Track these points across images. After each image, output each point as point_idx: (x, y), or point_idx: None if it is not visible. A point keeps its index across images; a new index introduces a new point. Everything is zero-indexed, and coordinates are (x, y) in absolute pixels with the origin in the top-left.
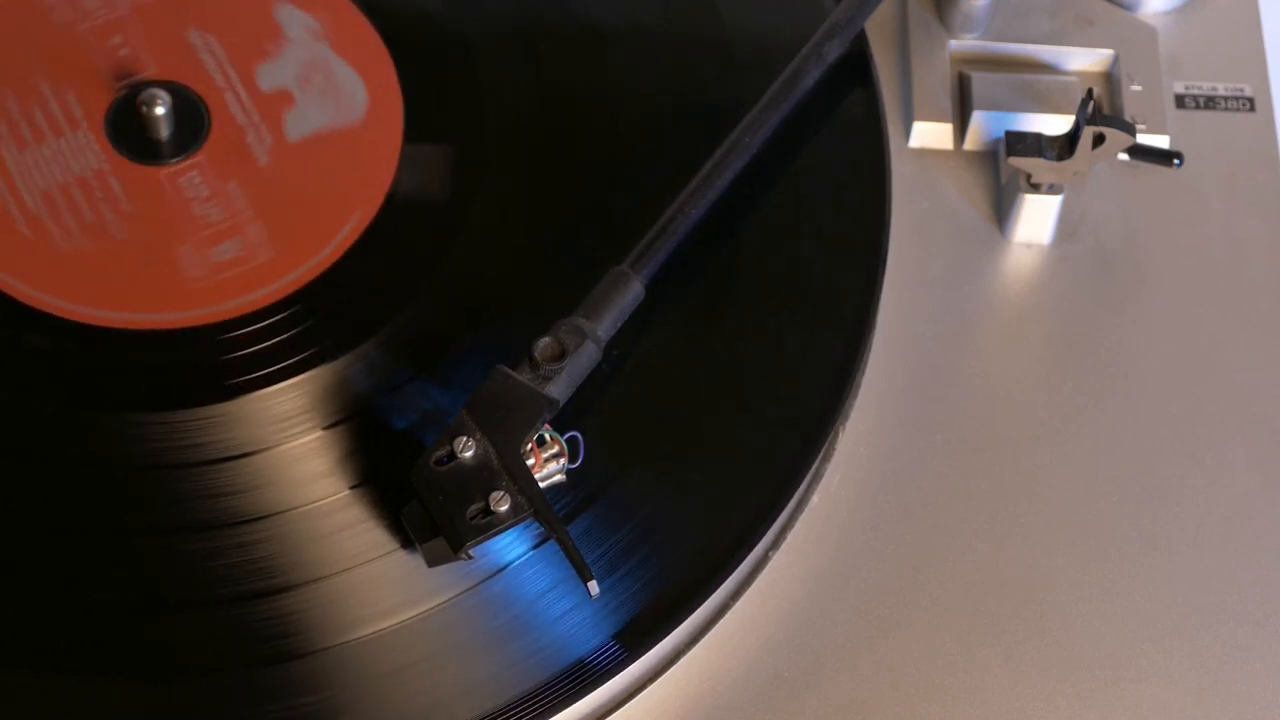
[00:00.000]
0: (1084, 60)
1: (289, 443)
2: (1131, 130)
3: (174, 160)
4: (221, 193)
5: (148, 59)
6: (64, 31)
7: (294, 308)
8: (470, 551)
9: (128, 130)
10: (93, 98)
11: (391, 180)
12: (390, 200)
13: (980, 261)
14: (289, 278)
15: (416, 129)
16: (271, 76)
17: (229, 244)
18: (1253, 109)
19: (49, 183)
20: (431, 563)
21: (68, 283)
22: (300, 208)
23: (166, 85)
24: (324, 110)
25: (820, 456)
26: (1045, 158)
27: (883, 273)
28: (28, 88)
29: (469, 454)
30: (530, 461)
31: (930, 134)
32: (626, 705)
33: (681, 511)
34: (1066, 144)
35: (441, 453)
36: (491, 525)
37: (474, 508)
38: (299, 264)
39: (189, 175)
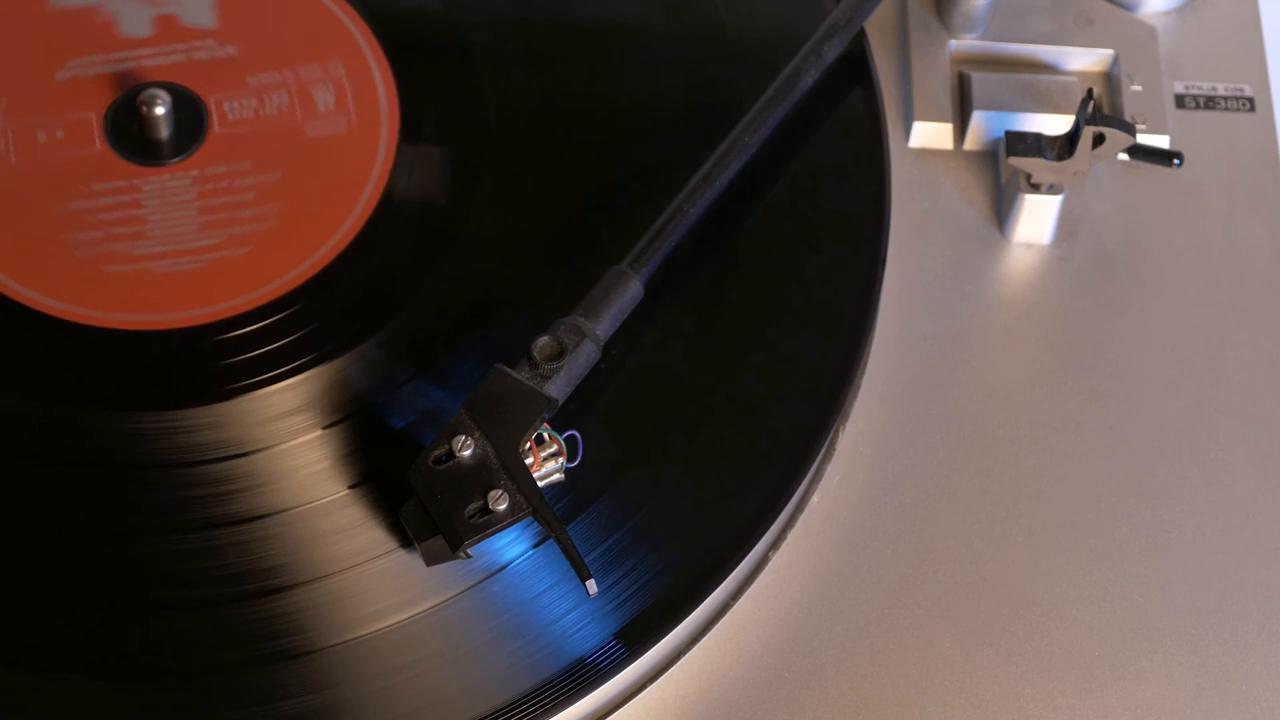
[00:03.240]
0: (1084, 60)
1: (289, 442)
2: (1131, 130)
3: (173, 160)
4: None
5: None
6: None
7: (293, 307)
8: (469, 550)
9: (127, 131)
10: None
11: (390, 179)
12: (389, 199)
13: (980, 261)
14: (288, 276)
15: (415, 128)
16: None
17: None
18: (1253, 109)
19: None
20: (430, 561)
21: (68, 284)
22: (300, 207)
23: (166, 85)
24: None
25: (820, 456)
26: (1045, 158)
27: (883, 273)
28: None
29: (468, 453)
30: (529, 460)
31: (930, 134)
32: (626, 705)
33: (681, 511)
34: (1066, 144)
35: (440, 451)
36: (490, 524)
37: (472, 506)
38: (298, 263)
39: (190, 176)
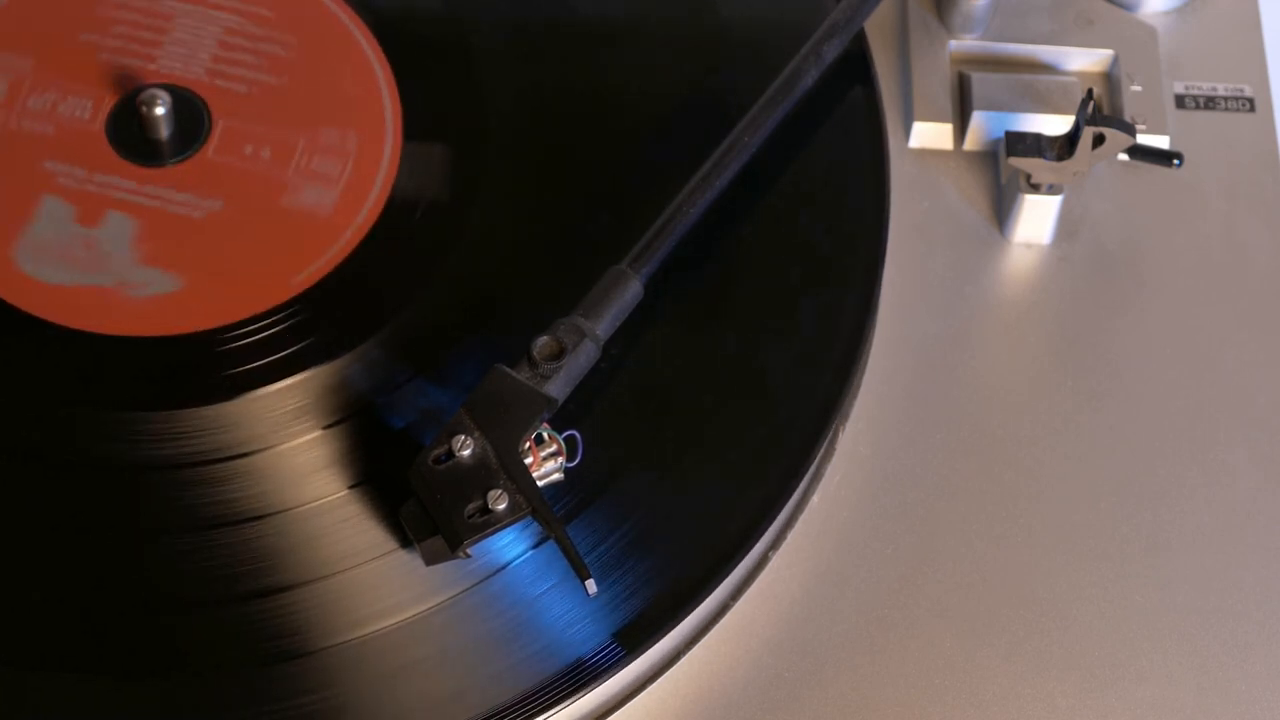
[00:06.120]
0: (1084, 60)
1: (289, 442)
2: (1131, 130)
3: (173, 160)
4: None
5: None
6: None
7: (294, 307)
8: (468, 550)
9: (128, 131)
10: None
11: (392, 181)
12: (390, 201)
13: (980, 261)
14: (290, 279)
15: (416, 129)
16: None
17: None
18: (1253, 109)
19: None
20: (429, 561)
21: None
22: (299, 209)
23: (166, 86)
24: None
25: (820, 456)
26: (1045, 158)
27: (883, 273)
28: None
29: (467, 452)
30: (528, 460)
31: (930, 134)
32: (626, 705)
33: (681, 511)
34: (1066, 144)
35: (440, 451)
36: (489, 524)
37: (472, 506)
38: (302, 265)
39: (187, 175)
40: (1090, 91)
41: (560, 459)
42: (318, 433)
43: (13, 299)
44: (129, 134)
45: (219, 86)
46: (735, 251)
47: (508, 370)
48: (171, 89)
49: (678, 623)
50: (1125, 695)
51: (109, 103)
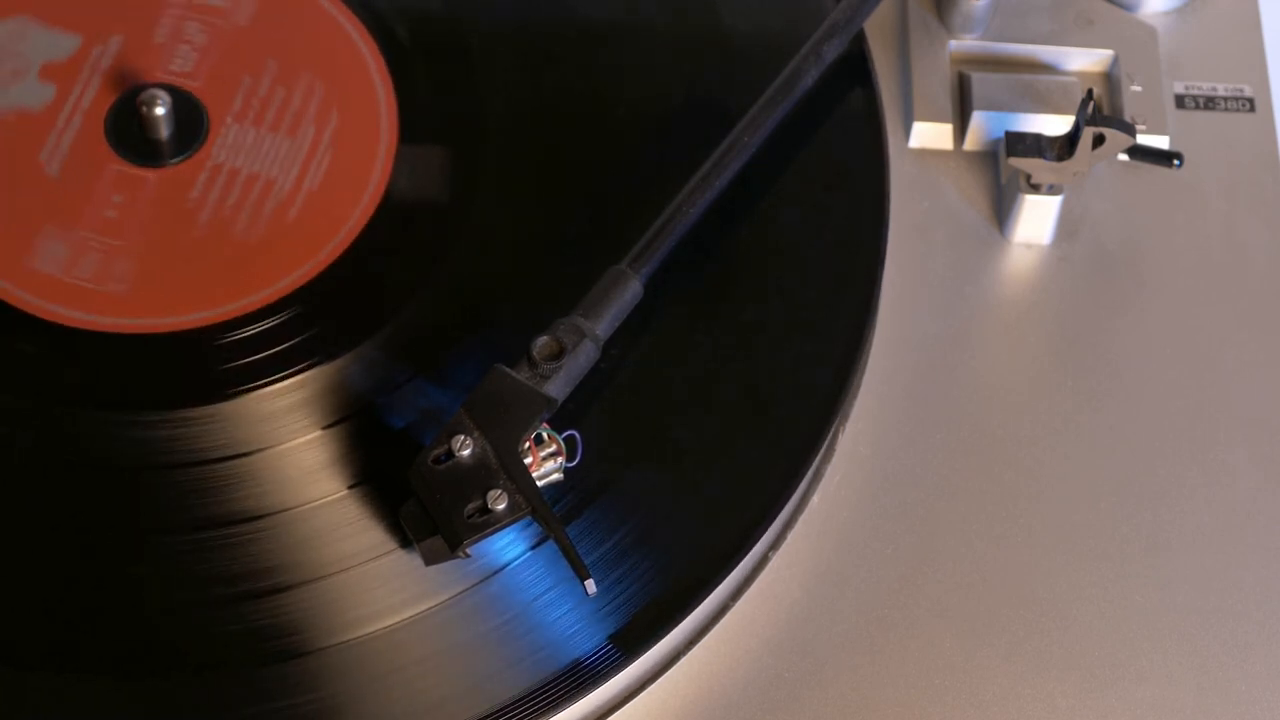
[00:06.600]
0: (1084, 60)
1: (288, 442)
2: (1131, 130)
3: (173, 161)
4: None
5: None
6: None
7: (293, 307)
8: (468, 550)
9: (127, 131)
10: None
11: (389, 180)
12: (388, 200)
13: (980, 261)
14: (289, 278)
15: (414, 129)
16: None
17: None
18: (1253, 109)
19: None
20: (429, 561)
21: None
22: (299, 208)
23: (166, 88)
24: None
25: (820, 456)
26: (1045, 158)
27: (883, 273)
28: None
29: (467, 452)
30: (528, 460)
31: (930, 134)
32: (626, 706)
33: (681, 511)
34: (1066, 144)
35: (439, 451)
36: (489, 524)
37: (471, 506)
38: (299, 264)
39: (185, 175)
40: (1090, 91)
41: (560, 459)
42: (317, 433)
43: None
44: (129, 128)
45: (230, 169)
46: (735, 251)
47: (507, 370)
48: (183, 102)
49: (677, 623)
50: (1125, 695)
51: (197, 88)
